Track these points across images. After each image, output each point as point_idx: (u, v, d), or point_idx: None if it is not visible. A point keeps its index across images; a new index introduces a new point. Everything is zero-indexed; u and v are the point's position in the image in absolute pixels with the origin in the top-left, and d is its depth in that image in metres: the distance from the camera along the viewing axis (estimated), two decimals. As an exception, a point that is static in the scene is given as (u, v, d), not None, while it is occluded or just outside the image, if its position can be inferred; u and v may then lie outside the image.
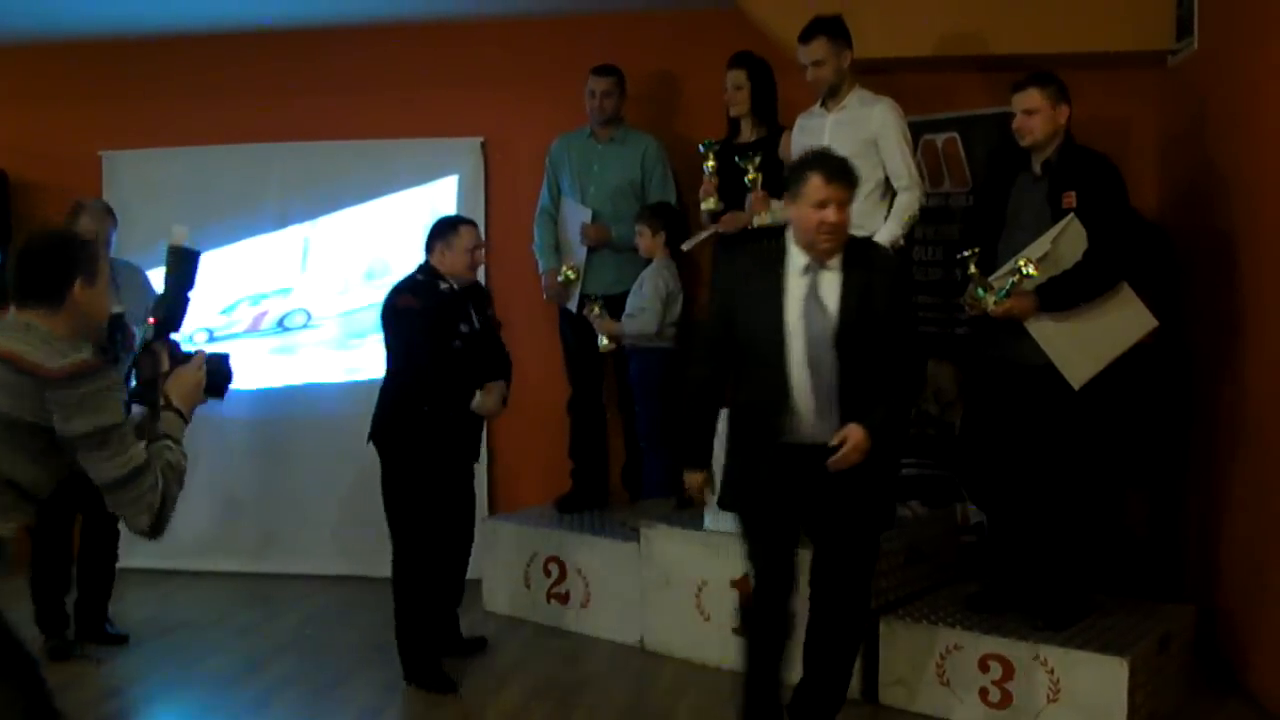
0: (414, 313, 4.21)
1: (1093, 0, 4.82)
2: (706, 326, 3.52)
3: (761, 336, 3.31)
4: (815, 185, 3.24)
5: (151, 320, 2.73)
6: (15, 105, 6.08)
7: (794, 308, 3.29)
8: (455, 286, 4.32)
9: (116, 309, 4.62)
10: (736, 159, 4.59)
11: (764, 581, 3.48)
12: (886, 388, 3.29)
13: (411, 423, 4.23)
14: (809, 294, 3.28)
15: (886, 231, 4.21)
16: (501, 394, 4.43)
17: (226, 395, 2.85)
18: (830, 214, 3.22)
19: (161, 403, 2.68)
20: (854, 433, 3.22)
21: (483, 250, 4.43)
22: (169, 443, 2.63)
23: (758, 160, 4.54)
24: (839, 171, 3.26)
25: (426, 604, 4.30)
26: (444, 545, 4.41)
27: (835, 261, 3.31)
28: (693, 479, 3.61)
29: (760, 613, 3.50)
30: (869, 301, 3.27)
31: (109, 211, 4.84)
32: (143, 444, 2.57)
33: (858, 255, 3.35)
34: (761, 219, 4.56)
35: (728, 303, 3.42)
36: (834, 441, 3.23)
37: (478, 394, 4.32)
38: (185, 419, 2.70)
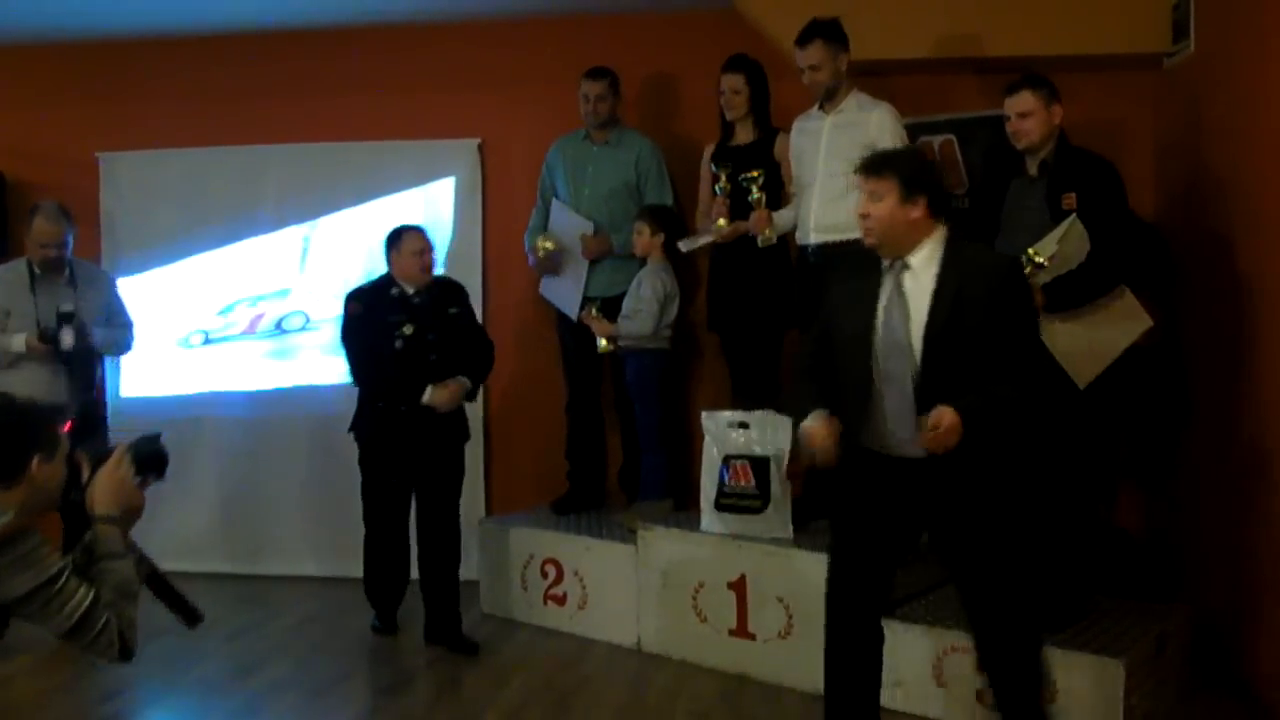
0: (357, 319, 4.66)
1: (1089, 3, 4.83)
2: (807, 339, 3.43)
3: (850, 335, 3.22)
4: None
5: (65, 427, 2.62)
6: (12, 107, 6.07)
7: (882, 307, 3.22)
8: (410, 290, 4.64)
9: (67, 307, 4.64)
10: (740, 179, 4.63)
11: (839, 582, 3.30)
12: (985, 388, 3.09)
13: (372, 416, 4.69)
14: (892, 292, 3.20)
15: None
16: (461, 388, 4.66)
17: (167, 475, 2.68)
18: (859, 205, 3.24)
19: (91, 515, 2.53)
20: (945, 413, 3.01)
21: (431, 253, 4.70)
22: (108, 563, 2.51)
23: (761, 181, 4.58)
24: (862, 162, 3.26)
25: (382, 566, 4.86)
26: (423, 525, 4.74)
27: (920, 259, 3.18)
28: (813, 429, 3.21)
29: (837, 623, 3.31)
30: (963, 305, 3.11)
31: (64, 213, 4.84)
32: (85, 585, 2.45)
33: (959, 255, 3.19)
34: (766, 238, 4.61)
35: (829, 312, 3.34)
36: (930, 423, 3.05)
37: (429, 388, 4.56)
38: (119, 522, 2.55)
